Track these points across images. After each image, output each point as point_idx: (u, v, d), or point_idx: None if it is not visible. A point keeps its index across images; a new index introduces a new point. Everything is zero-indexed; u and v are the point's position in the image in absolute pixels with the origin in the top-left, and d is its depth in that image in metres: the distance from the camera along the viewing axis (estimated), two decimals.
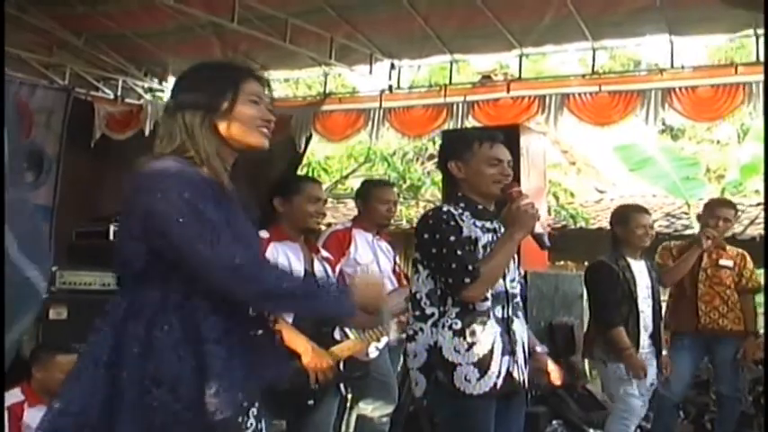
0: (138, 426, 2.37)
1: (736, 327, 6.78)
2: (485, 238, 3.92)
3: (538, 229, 3.95)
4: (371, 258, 5.98)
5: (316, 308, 2.61)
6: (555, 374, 4.73)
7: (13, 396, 5.08)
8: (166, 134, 2.62)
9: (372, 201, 6.22)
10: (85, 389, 2.47)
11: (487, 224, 3.99)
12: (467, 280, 3.80)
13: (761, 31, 7.42)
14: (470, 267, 3.80)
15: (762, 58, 7.64)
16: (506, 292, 3.98)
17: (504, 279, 3.97)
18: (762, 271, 7.30)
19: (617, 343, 5.88)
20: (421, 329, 3.95)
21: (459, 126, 9.02)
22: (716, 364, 7.01)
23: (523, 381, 3.99)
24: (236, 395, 2.46)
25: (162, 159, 2.54)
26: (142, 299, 2.50)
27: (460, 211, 3.96)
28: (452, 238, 3.85)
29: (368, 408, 6.01)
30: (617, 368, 5.96)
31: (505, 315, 3.96)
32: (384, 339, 5.24)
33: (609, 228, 6.45)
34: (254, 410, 2.67)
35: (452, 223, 3.88)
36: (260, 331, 2.62)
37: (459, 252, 3.84)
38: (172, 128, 2.61)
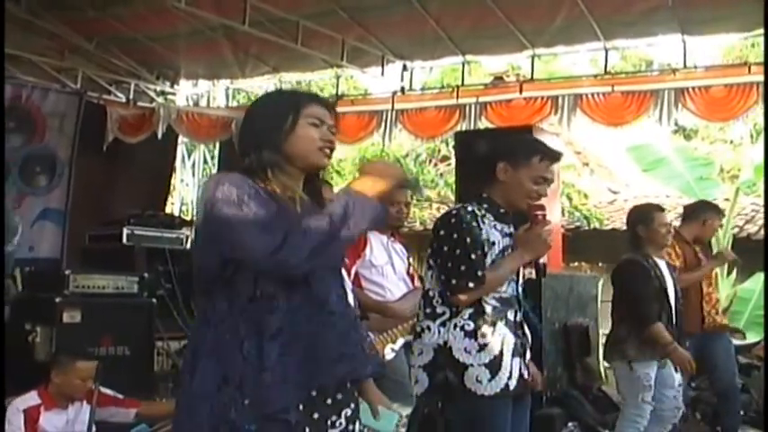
0: (214, 421, 2.57)
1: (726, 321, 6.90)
2: (503, 242, 3.91)
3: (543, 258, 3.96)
4: (386, 260, 5.95)
5: (347, 230, 2.63)
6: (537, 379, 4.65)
7: (30, 399, 5.08)
8: (240, 154, 2.81)
9: (384, 201, 6.20)
10: (179, 396, 2.76)
11: (506, 228, 3.98)
12: (471, 284, 3.80)
13: None
14: (479, 273, 3.80)
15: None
16: (518, 296, 3.99)
17: (517, 284, 3.99)
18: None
19: (658, 339, 5.75)
20: (428, 327, 3.94)
21: (471, 127, 9.00)
22: (714, 360, 6.96)
23: (530, 382, 4.00)
24: (291, 388, 2.58)
25: (225, 173, 2.71)
26: (213, 306, 2.67)
27: (483, 212, 3.94)
28: (469, 240, 3.84)
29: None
30: (642, 373, 5.86)
31: (518, 319, 3.97)
32: (400, 341, 5.23)
33: (623, 228, 6.39)
34: (347, 411, 2.77)
35: (473, 224, 3.86)
36: (333, 327, 2.72)
37: (472, 256, 3.82)
38: (245, 156, 2.78)
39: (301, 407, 2.62)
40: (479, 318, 3.83)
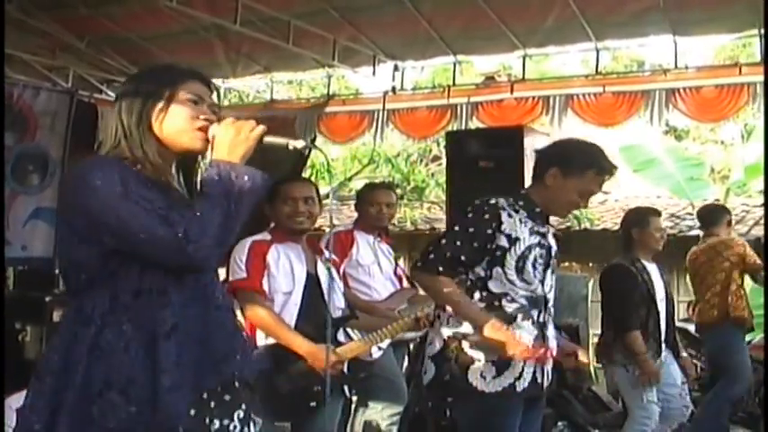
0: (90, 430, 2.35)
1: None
2: (530, 240, 3.89)
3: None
4: (373, 260, 6.01)
5: (238, 206, 2.44)
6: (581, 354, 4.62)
7: (22, 398, 5.06)
8: (106, 135, 2.60)
9: (364, 203, 6.28)
10: (35, 402, 2.48)
11: (539, 228, 3.97)
12: (419, 263, 3.87)
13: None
14: (431, 256, 3.82)
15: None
16: (545, 297, 3.97)
17: (543, 284, 3.96)
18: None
19: (632, 347, 5.84)
20: (438, 316, 3.95)
21: (463, 127, 9.01)
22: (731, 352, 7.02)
23: (549, 384, 3.99)
24: (190, 391, 2.42)
25: (93, 158, 2.54)
26: (92, 302, 2.45)
27: (517, 208, 3.93)
28: (470, 230, 3.83)
29: (377, 407, 5.99)
30: (639, 374, 5.90)
31: (542, 320, 3.94)
32: (387, 340, 5.23)
33: (614, 229, 6.47)
34: (239, 413, 2.62)
35: (486, 216, 3.85)
36: (223, 327, 2.58)
37: (447, 241, 3.84)
38: (111, 128, 2.59)
39: (192, 411, 2.46)
40: (493, 313, 3.80)
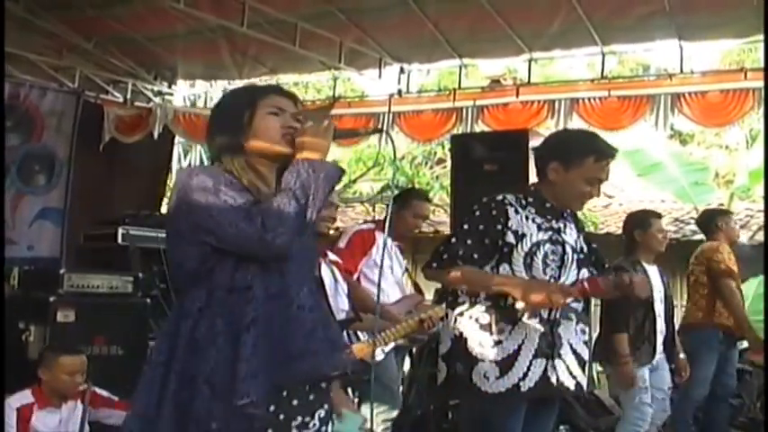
0: (182, 417, 2.53)
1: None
2: (539, 236, 3.84)
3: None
4: (388, 263, 5.98)
5: (314, 197, 2.65)
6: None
7: (24, 398, 5.10)
8: (209, 155, 2.88)
9: (405, 209, 6.19)
10: (145, 390, 2.65)
11: (550, 223, 3.92)
12: (434, 264, 3.84)
13: None
14: (445, 255, 3.80)
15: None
16: None
17: (558, 281, 3.87)
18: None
19: (617, 348, 5.89)
20: (447, 315, 3.94)
21: (468, 130, 9.02)
22: (726, 364, 6.99)
23: (576, 385, 3.90)
24: (266, 382, 2.55)
25: (199, 166, 2.74)
26: (192, 298, 2.65)
27: (524, 203, 3.90)
28: (480, 227, 3.82)
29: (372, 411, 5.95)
30: (638, 375, 5.94)
31: (552, 317, 3.84)
32: (392, 344, 5.23)
33: (618, 233, 6.48)
34: (321, 412, 2.74)
35: (494, 213, 3.84)
36: (303, 326, 2.69)
37: (458, 239, 3.83)
38: (210, 149, 2.88)
39: (272, 407, 2.61)
40: (498, 312, 3.78)
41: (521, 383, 3.75)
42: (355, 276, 5.75)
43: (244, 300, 2.60)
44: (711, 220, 7.22)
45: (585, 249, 4.11)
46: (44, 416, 5.10)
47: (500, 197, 3.91)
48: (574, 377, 3.90)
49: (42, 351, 5.54)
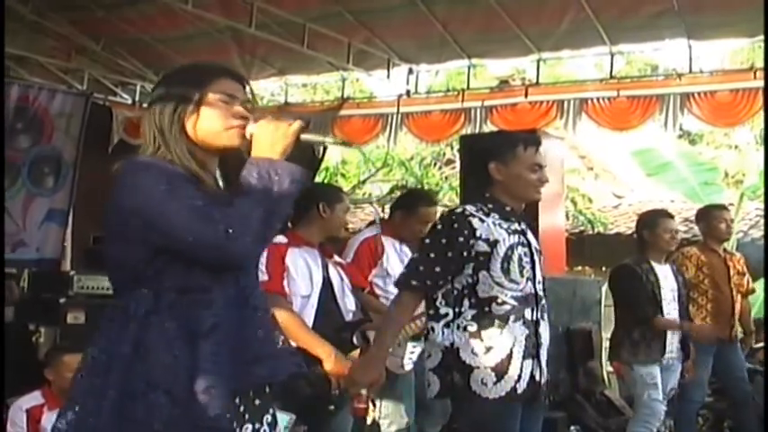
0: (130, 428, 2.33)
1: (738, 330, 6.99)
2: (510, 240, 3.87)
3: None
4: (401, 269, 5.84)
5: (279, 203, 2.43)
6: None
7: (33, 399, 5.11)
8: (144, 138, 2.58)
9: (414, 218, 5.91)
10: (87, 397, 2.43)
11: (514, 225, 3.96)
12: (399, 281, 3.93)
13: None
14: (414, 276, 3.86)
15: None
16: (536, 294, 3.92)
17: (534, 282, 3.92)
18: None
19: (668, 328, 6.00)
20: (432, 329, 3.94)
21: (477, 131, 9.02)
22: (729, 368, 6.96)
23: (544, 384, 3.94)
24: (226, 392, 2.39)
25: (138, 159, 2.51)
26: (136, 301, 2.43)
27: (486, 211, 3.94)
28: (442, 241, 3.85)
29: (384, 422, 5.89)
30: (643, 372, 5.98)
31: (535, 317, 3.90)
32: (401, 345, 5.20)
33: (627, 233, 6.53)
34: (268, 417, 2.60)
35: (456, 225, 3.86)
36: (258, 329, 2.53)
37: (430, 255, 3.85)
38: (148, 132, 2.57)
39: (227, 415, 2.41)
40: (483, 318, 3.79)
41: (517, 386, 3.78)
42: (367, 290, 5.65)
43: (201, 304, 2.42)
44: (697, 222, 7.22)
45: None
46: (54, 417, 5.10)
47: (460, 209, 3.97)
48: (544, 375, 3.95)
49: (47, 352, 5.55)
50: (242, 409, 2.49)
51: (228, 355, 2.40)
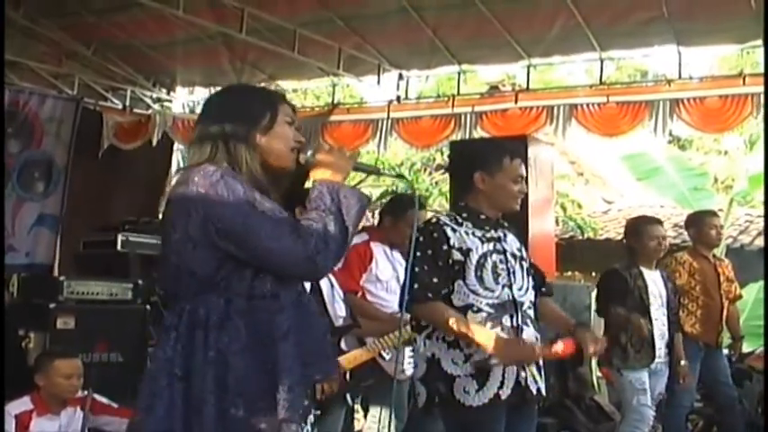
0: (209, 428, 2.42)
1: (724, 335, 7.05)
2: (484, 248, 3.91)
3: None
4: (392, 274, 5.77)
5: (352, 222, 2.57)
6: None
7: (22, 404, 5.09)
8: (199, 146, 2.65)
9: (404, 222, 5.80)
10: (165, 404, 2.48)
11: (489, 233, 3.99)
12: (410, 300, 3.80)
13: None
14: (416, 286, 3.81)
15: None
16: (514, 300, 3.92)
17: (511, 288, 3.93)
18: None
19: (636, 329, 5.96)
20: (415, 340, 3.98)
21: (467, 137, 9.02)
22: (716, 373, 6.96)
23: (537, 390, 3.93)
24: (302, 393, 2.51)
25: (203, 166, 2.56)
26: (207, 306, 2.52)
27: (460, 220, 3.97)
28: (429, 252, 3.87)
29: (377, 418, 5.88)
30: (632, 377, 5.98)
31: (515, 323, 3.89)
32: (388, 350, 5.20)
33: (617, 238, 6.56)
34: (311, 418, 2.69)
35: (435, 235, 3.90)
36: (314, 328, 2.64)
37: (420, 269, 3.84)
38: (208, 142, 2.65)
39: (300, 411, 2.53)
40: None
41: (500, 392, 3.79)
42: (359, 294, 5.64)
43: (272, 309, 2.52)
44: (687, 228, 7.25)
45: (528, 260, 4.18)
46: (43, 422, 5.09)
47: (434, 219, 4.02)
48: (536, 382, 3.94)
49: (37, 358, 5.54)
50: (300, 406, 2.56)
51: (302, 357, 2.52)
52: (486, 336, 3.75)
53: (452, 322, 3.76)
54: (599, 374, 8.10)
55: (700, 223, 7.04)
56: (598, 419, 7.92)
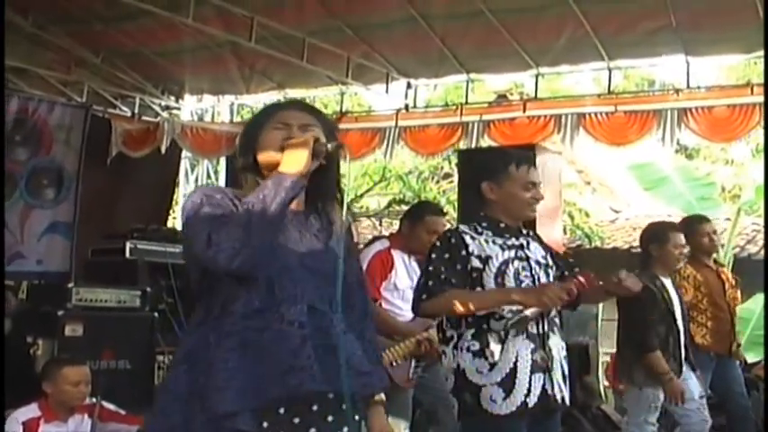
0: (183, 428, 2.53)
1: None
2: (504, 255, 3.90)
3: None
4: (408, 283, 5.70)
5: (272, 209, 2.55)
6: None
7: (30, 411, 5.09)
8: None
9: (421, 227, 5.80)
10: (161, 395, 2.70)
11: (510, 241, 3.98)
12: (423, 296, 3.85)
13: None
14: (430, 282, 3.82)
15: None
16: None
17: None
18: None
19: (655, 368, 5.65)
20: (444, 352, 3.97)
21: (474, 145, 9.03)
22: (728, 383, 6.91)
23: (562, 398, 3.92)
24: (253, 396, 2.49)
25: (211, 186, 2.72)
26: (195, 314, 2.69)
27: (480, 230, 3.97)
28: (446, 256, 3.88)
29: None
30: (652, 394, 5.81)
31: (541, 331, 3.90)
32: (393, 361, 5.20)
33: (624, 247, 6.44)
34: (297, 419, 2.61)
35: (453, 241, 3.90)
36: (287, 338, 2.60)
37: (434, 267, 3.86)
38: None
39: (265, 424, 2.52)
40: (485, 336, 3.81)
41: (527, 400, 3.78)
42: (378, 302, 5.63)
43: (227, 316, 2.59)
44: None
45: (556, 266, 4.15)
46: (51, 429, 5.10)
47: (454, 227, 4.06)
48: (561, 390, 3.94)
49: (45, 365, 5.55)
50: (296, 420, 2.59)
51: (254, 363, 2.53)
52: (502, 292, 3.82)
53: (465, 298, 3.79)
54: (606, 383, 8.09)
55: (692, 231, 6.68)
56: (605, 428, 7.91)
